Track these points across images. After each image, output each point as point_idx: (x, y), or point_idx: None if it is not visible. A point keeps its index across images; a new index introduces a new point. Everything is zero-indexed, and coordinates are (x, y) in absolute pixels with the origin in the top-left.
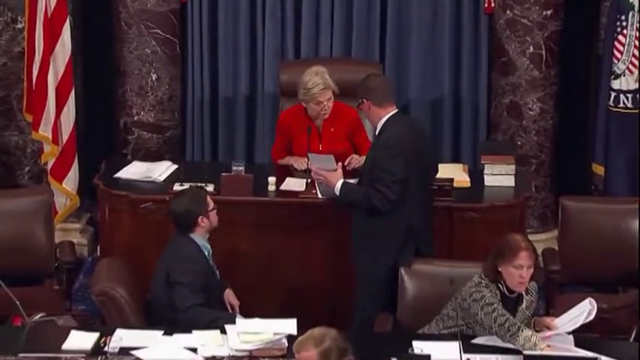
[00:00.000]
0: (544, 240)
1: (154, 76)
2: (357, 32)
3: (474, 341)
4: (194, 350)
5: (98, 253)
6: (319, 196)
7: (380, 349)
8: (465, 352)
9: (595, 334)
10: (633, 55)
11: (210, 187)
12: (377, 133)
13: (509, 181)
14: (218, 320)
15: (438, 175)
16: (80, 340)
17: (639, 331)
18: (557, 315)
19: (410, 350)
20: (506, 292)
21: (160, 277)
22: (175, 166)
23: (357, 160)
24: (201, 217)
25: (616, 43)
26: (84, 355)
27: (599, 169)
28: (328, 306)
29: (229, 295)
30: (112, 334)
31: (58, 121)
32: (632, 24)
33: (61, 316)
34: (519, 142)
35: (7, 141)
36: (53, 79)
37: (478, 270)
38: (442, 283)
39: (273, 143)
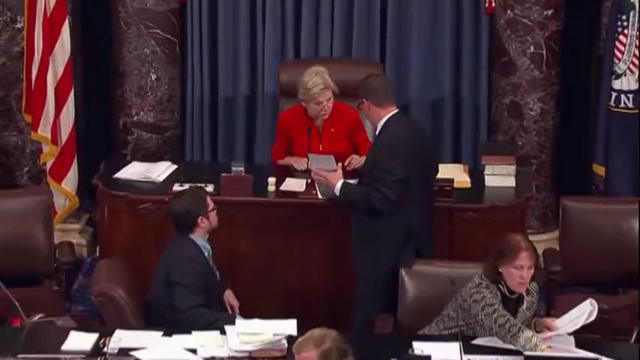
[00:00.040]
0: (545, 240)
1: (153, 76)
2: (357, 32)
3: (475, 342)
4: (194, 351)
5: (97, 254)
6: (319, 196)
7: (380, 350)
8: (465, 352)
9: (596, 335)
10: (634, 55)
11: (209, 188)
12: (377, 133)
13: (510, 182)
14: (218, 321)
15: (439, 176)
16: (79, 340)
17: None
18: (558, 316)
19: (410, 351)
20: (506, 293)
21: (160, 277)
22: (175, 167)
23: (357, 161)
24: (200, 217)
25: (617, 43)
26: (83, 356)
27: (599, 170)
28: (328, 307)
29: (229, 296)
30: (111, 334)
31: (57, 121)
32: (633, 24)
33: (60, 316)
34: (520, 143)
35: (6, 141)
36: (52, 79)
37: (479, 271)
38: (442, 283)
39: (273, 143)
